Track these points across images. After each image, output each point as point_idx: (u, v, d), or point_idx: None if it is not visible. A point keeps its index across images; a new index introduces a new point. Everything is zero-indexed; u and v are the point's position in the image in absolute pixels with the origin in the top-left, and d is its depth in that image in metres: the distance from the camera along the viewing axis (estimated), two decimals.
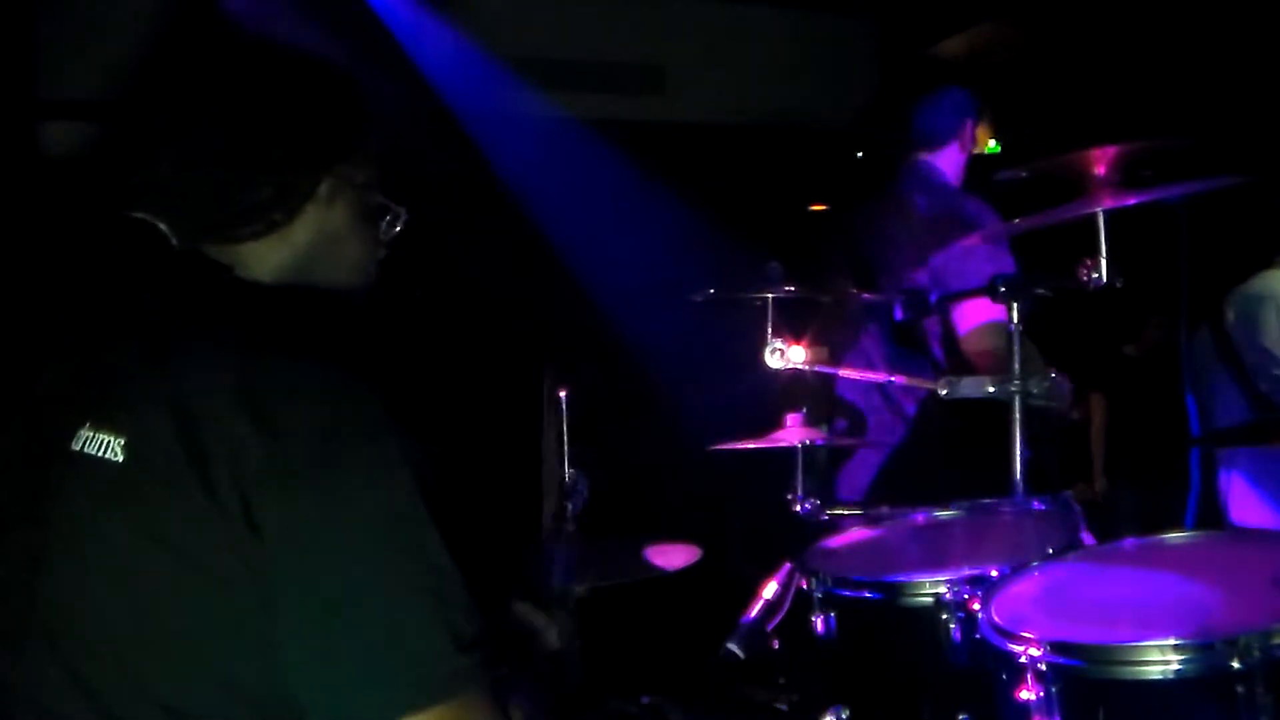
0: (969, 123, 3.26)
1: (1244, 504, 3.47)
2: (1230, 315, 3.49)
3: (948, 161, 3.25)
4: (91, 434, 1.22)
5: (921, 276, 3.06)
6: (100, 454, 1.20)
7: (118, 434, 1.20)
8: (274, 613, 1.13)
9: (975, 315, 2.92)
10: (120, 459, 1.19)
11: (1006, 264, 2.92)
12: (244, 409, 1.14)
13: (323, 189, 1.34)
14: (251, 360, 1.19)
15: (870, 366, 3.14)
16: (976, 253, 2.92)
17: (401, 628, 1.12)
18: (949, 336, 3.03)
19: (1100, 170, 2.14)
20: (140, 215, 1.30)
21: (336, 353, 1.22)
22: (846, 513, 2.56)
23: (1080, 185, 2.16)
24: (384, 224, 1.45)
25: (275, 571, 1.12)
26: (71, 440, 1.23)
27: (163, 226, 1.29)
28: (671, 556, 2.41)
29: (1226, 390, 3.48)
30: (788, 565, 2.26)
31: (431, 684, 1.12)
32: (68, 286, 1.36)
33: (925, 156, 3.26)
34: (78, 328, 1.35)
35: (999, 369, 2.37)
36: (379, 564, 1.13)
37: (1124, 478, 5.45)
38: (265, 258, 1.33)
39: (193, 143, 1.31)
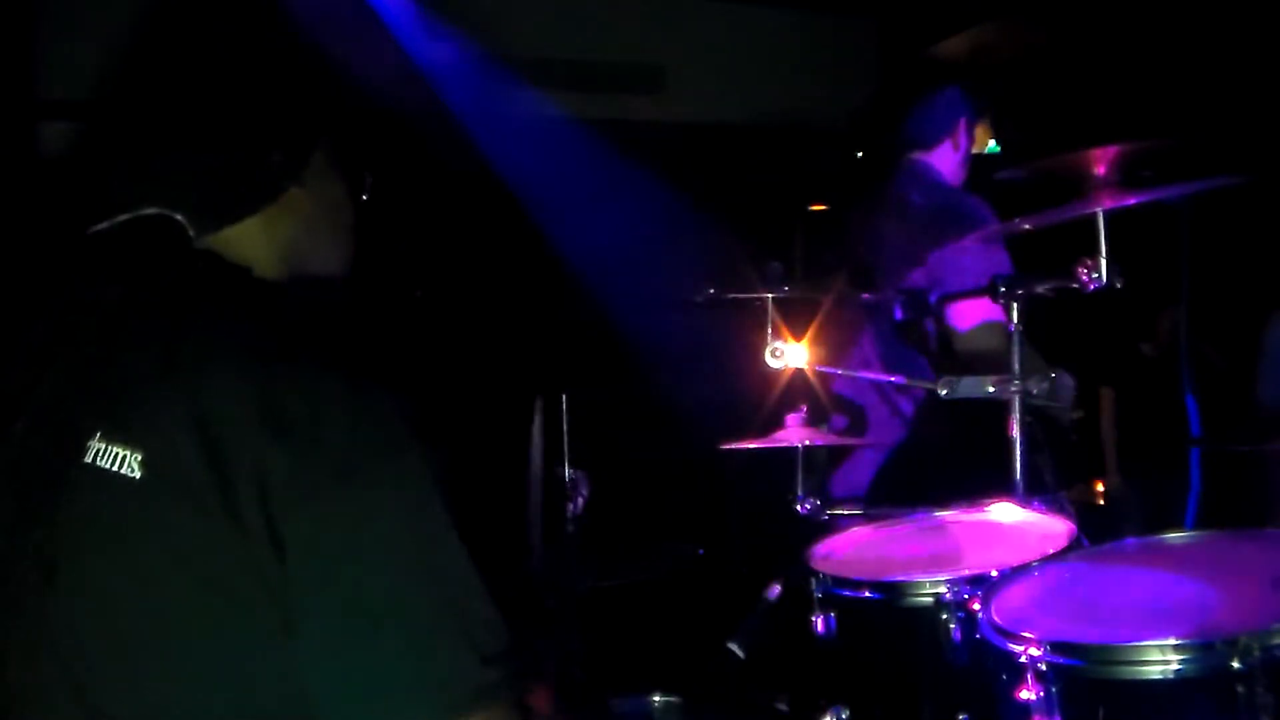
0: (962, 120, 3.25)
1: None
2: None
3: (941, 160, 3.25)
4: (104, 446, 1.18)
5: (918, 276, 3.05)
6: (115, 468, 1.17)
7: (133, 448, 1.16)
8: (294, 634, 1.11)
9: (973, 314, 2.91)
10: (137, 475, 1.15)
11: (1002, 263, 2.91)
12: (266, 422, 1.11)
13: (317, 158, 1.36)
14: (273, 373, 1.15)
15: (868, 367, 3.14)
16: (972, 251, 2.92)
17: (425, 644, 1.11)
18: (945, 336, 3.03)
19: (1100, 170, 2.14)
20: (153, 210, 1.28)
21: (360, 364, 1.20)
22: (846, 513, 2.56)
23: (1080, 185, 2.16)
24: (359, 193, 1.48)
25: (296, 590, 1.11)
26: (82, 452, 1.19)
27: (179, 218, 1.27)
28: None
29: None
30: (788, 565, 2.26)
31: (456, 700, 1.11)
32: (68, 287, 1.34)
33: (919, 156, 3.25)
34: (78, 338, 1.30)
35: (995, 368, 2.37)
36: (402, 581, 1.12)
37: (1129, 477, 5.46)
38: (277, 230, 1.34)
39: (196, 126, 1.31)
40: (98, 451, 1.18)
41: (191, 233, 1.28)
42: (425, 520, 1.14)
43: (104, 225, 1.29)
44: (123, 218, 1.28)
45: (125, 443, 1.17)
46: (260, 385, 1.14)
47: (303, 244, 1.36)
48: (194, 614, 1.13)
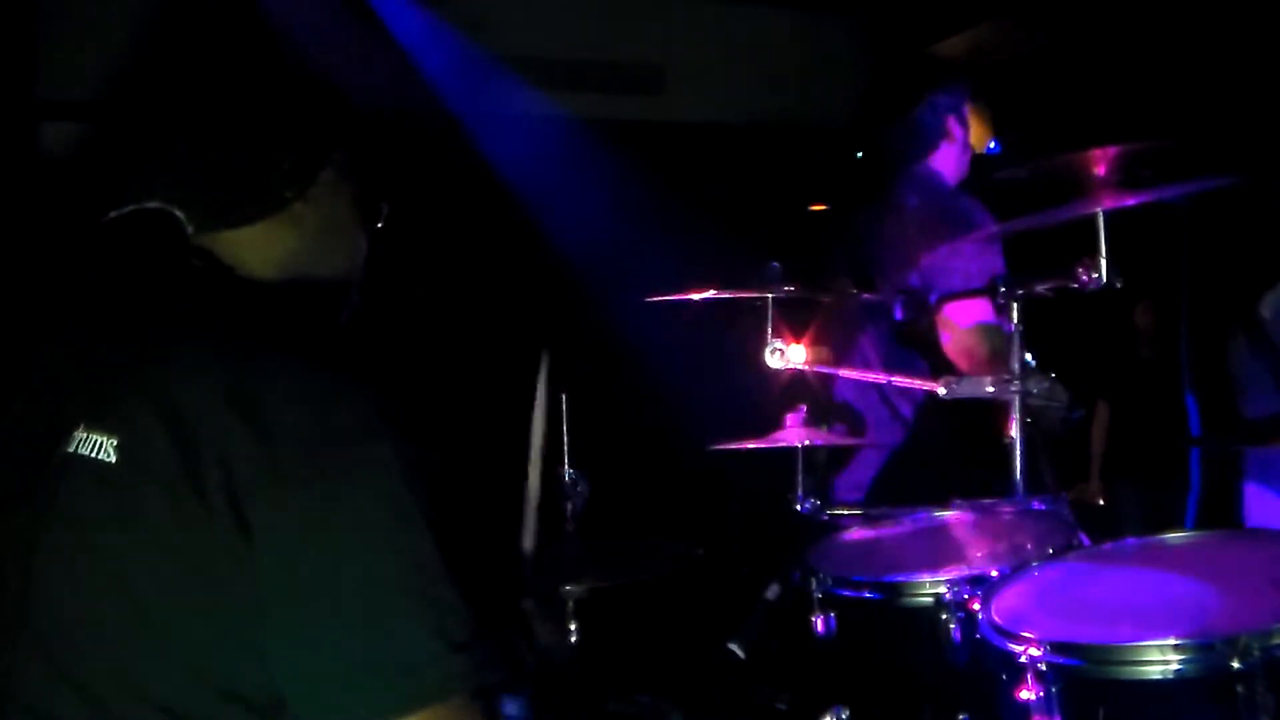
0: (950, 118, 3.25)
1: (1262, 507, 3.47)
2: (1267, 313, 3.48)
3: (943, 162, 3.25)
4: (85, 435, 1.22)
5: (914, 279, 3.06)
6: (93, 455, 1.20)
7: (110, 434, 1.20)
8: (263, 617, 1.12)
9: (968, 316, 2.91)
10: (113, 459, 1.19)
11: (995, 263, 2.91)
12: (236, 411, 1.13)
13: (327, 174, 1.37)
14: (245, 363, 1.19)
15: (868, 367, 3.14)
16: (964, 251, 2.92)
17: (390, 630, 1.12)
18: (937, 337, 3.03)
19: (1100, 170, 2.14)
20: (155, 205, 1.29)
21: (332, 356, 1.22)
22: (846, 513, 2.56)
23: (1080, 185, 2.16)
24: (373, 219, 1.47)
25: (263, 573, 1.12)
26: (66, 443, 1.23)
27: (179, 213, 1.29)
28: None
29: (1262, 385, 3.47)
30: (788, 565, 2.26)
31: (419, 687, 1.11)
32: (62, 284, 1.35)
33: (919, 165, 3.25)
34: (69, 328, 1.34)
35: (988, 371, 2.37)
36: (367, 566, 1.12)
37: (1129, 479, 5.45)
38: (276, 240, 1.34)
39: (206, 127, 1.33)
40: (80, 440, 1.22)
41: (190, 229, 1.29)
42: (392, 507, 1.14)
43: (111, 215, 1.31)
44: (128, 208, 1.30)
45: (104, 430, 1.21)
46: (229, 378, 1.16)
47: (300, 256, 1.37)
48: (167, 590, 1.15)
